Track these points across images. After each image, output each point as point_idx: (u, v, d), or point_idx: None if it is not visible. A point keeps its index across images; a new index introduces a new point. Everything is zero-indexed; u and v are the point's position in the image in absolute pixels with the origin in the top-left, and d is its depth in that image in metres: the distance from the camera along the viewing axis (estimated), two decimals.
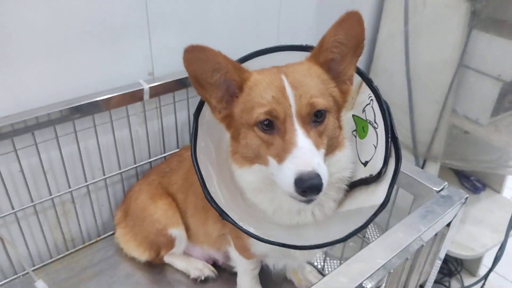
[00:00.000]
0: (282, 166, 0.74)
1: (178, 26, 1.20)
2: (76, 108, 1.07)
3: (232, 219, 0.82)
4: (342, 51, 0.82)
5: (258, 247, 1.00)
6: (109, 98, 1.11)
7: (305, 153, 0.72)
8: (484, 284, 2.09)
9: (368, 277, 0.64)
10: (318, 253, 1.33)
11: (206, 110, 0.92)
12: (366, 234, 1.49)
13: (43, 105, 1.04)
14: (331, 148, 0.84)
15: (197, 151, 0.88)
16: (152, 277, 1.22)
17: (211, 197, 0.84)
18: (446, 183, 0.85)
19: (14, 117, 1.00)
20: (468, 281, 2.25)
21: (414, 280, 0.90)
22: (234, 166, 0.89)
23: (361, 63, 1.85)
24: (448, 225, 0.83)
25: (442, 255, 0.88)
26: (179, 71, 1.23)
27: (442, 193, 0.84)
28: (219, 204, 0.84)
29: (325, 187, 0.71)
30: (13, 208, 1.11)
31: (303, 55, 0.90)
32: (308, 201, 0.75)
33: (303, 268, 1.23)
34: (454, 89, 1.56)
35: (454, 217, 0.82)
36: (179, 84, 1.22)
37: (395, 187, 0.92)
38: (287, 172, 0.72)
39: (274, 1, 1.38)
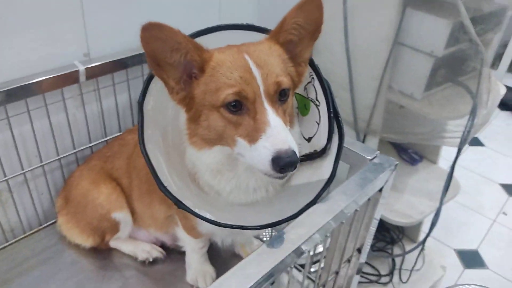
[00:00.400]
0: (256, 146, 0.75)
1: (113, 4, 1.16)
2: (6, 92, 1.01)
3: (187, 207, 0.83)
4: (301, 34, 0.84)
5: (205, 226, 1.02)
6: (42, 80, 1.06)
7: (280, 132, 0.75)
8: (423, 248, 2.24)
9: (304, 241, 0.67)
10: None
11: (150, 97, 0.90)
12: None
13: None
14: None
15: (145, 140, 0.87)
16: (98, 262, 1.21)
17: (165, 187, 0.83)
18: (378, 152, 0.90)
19: None
20: (408, 247, 2.40)
21: (351, 244, 0.96)
22: (191, 149, 0.89)
23: None
24: (380, 190, 0.88)
25: (376, 219, 0.93)
26: (117, 51, 1.20)
27: (374, 161, 0.88)
28: (172, 193, 0.84)
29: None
30: None
31: (246, 34, 0.90)
32: (283, 177, 0.78)
33: (251, 243, 1.27)
34: (390, 65, 1.64)
35: (385, 183, 0.87)
36: (118, 65, 1.20)
37: None
38: (263, 152, 0.74)
39: None
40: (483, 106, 1.66)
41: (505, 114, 3.87)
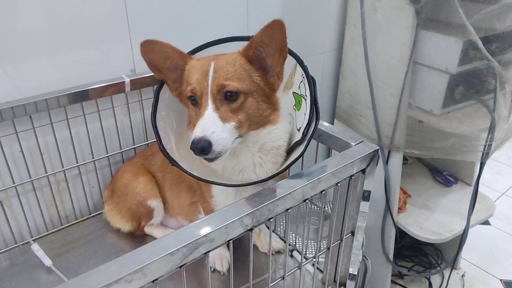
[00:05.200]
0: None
1: (155, 30, 1.42)
2: (66, 95, 1.28)
3: (180, 166, 1.01)
4: (268, 51, 0.99)
5: (220, 207, 1.18)
6: (95, 88, 1.32)
7: (205, 123, 0.92)
8: (453, 267, 2.20)
9: (278, 198, 0.82)
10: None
11: (167, 88, 1.13)
12: (327, 207, 1.65)
13: (40, 93, 1.26)
14: (259, 123, 1.04)
15: (157, 118, 1.08)
16: (134, 245, 1.40)
17: (165, 150, 1.03)
18: (363, 139, 1.03)
19: (14, 102, 1.21)
20: (447, 273, 2.36)
21: (344, 224, 1.07)
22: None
23: (331, 66, 2.07)
24: (364, 172, 1.00)
25: (365, 202, 1.04)
26: None
27: (358, 145, 1.01)
28: (173, 157, 1.03)
29: (219, 151, 0.91)
30: (13, 183, 1.31)
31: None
32: (209, 160, 0.94)
33: (267, 234, 1.40)
34: (408, 84, 1.75)
35: (367, 166, 0.99)
36: (157, 79, 1.43)
37: (325, 146, 1.12)
38: (191, 137, 0.92)
39: (242, 14, 1.62)
40: (503, 121, 1.70)
41: None
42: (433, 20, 1.62)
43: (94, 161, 1.46)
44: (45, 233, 1.43)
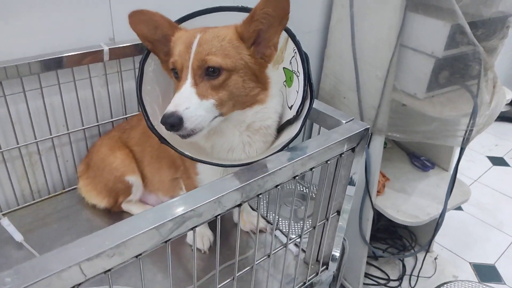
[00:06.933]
0: None
1: None
2: (39, 62, 1.20)
3: (170, 143, 0.96)
4: (269, 22, 0.92)
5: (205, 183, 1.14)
6: (71, 55, 1.24)
7: (179, 98, 0.88)
8: (428, 250, 2.25)
9: (270, 173, 0.78)
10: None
11: (152, 60, 1.07)
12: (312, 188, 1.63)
13: (10, 59, 1.17)
14: (245, 103, 0.98)
15: (142, 92, 1.02)
16: (110, 221, 1.34)
17: (153, 126, 0.97)
18: (354, 118, 1.00)
19: None
20: (421, 256, 2.41)
21: (330, 204, 1.05)
22: None
23: (316, 47, 2.03)
24: (353, 150, 0.98)
25: (351, 187, 1.02)
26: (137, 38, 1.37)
27: (349, 123, 0.99)
28: (162, 135, 0.97)
29: (192, 129, 0.87)
30: None
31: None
32: (182, 137, 0.90)
33: (249, 212, 1.37)
34: (394, 66, 1.73)
35: (357, 145, 0.97)
36: (137, 49, 1.36)
37: (316, 125, 1.09)
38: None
39: None
40: (485, 106, 1.71)
41: None
42: (422, 3, 1.60)
43: (68, 133, 1.38)
44: (16, 208, 1.36)
